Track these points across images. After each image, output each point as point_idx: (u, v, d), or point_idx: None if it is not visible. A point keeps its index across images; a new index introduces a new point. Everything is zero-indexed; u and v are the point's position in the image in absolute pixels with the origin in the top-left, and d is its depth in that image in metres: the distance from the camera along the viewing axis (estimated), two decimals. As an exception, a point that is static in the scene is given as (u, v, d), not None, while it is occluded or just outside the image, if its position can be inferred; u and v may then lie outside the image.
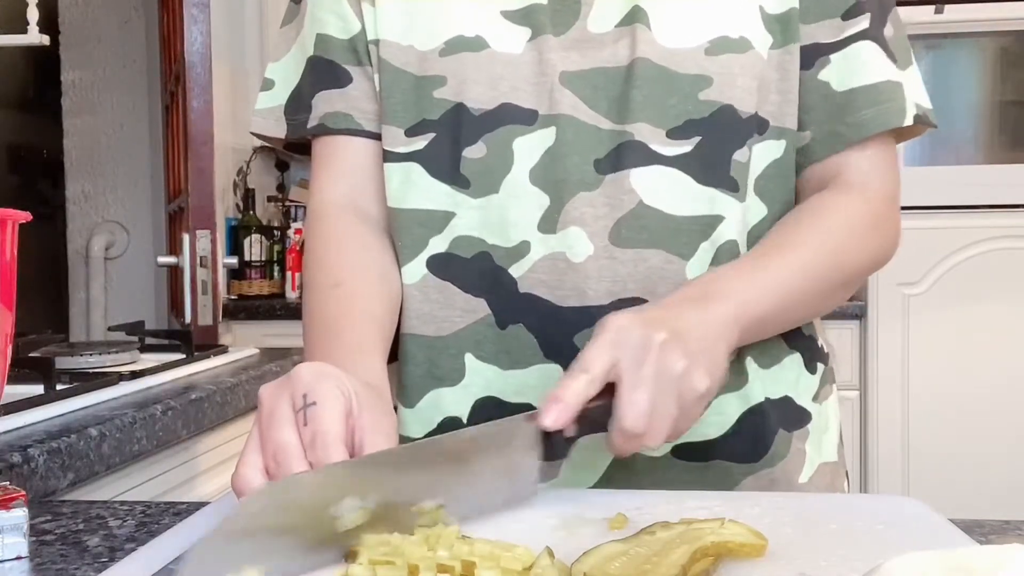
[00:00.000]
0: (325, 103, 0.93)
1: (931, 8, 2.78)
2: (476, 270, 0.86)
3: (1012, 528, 0.71)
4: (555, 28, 0.87)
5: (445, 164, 0.87)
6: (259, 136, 0.99)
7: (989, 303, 2.79)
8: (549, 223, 0.84)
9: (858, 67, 0.88)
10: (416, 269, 0.88)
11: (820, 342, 0.95)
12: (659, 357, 0.70)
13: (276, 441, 0.64)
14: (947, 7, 2.78)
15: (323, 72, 0.94)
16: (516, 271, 0.85)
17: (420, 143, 0.89)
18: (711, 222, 0.85)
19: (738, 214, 0.86)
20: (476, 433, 0.70)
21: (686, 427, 0.73)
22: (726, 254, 0.85)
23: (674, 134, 0.85)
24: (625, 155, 0.84)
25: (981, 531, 0.69)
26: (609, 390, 0.70)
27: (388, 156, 0.90)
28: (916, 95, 0.90)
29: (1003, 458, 2.77)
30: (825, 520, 0.68)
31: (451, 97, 0.87)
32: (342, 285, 0.86)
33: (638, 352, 0.70)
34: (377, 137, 0.92)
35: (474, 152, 0.86)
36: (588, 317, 0.83)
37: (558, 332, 0.84)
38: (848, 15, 0.89)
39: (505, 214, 0.85)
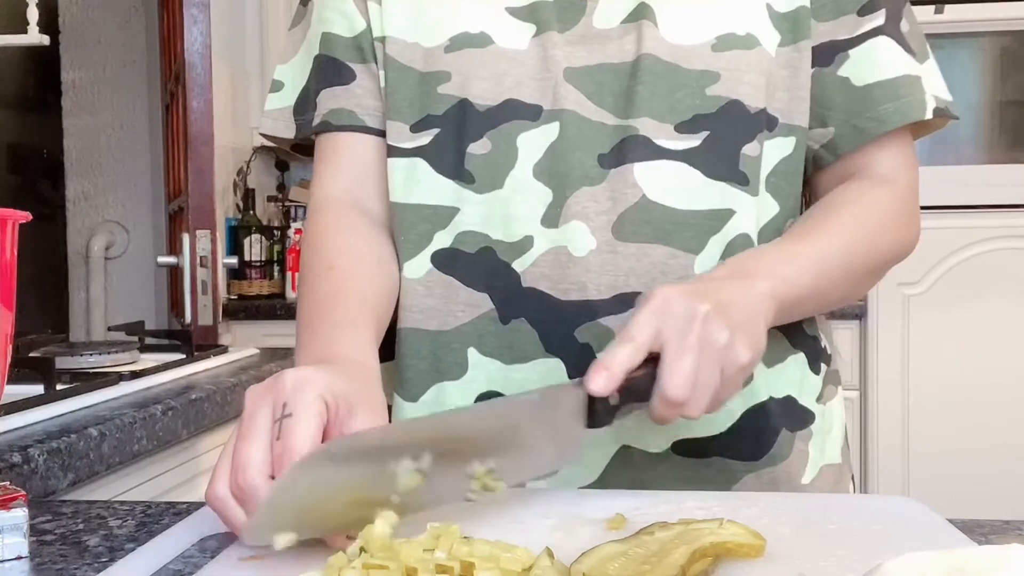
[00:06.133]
0: (329, 100, 0.94)
1: (931, 8, 2.78)
2: (480, 265, 0.86)
3: (1012, 528, 0.71)
4: (560, 24, 0.88)
5: (449, 160, 0.88)
6: (268, 137, 0.99)
7: (989, 303, 2.79)
8: (551, 218, 0.84)
9: (876, 63, 0.89)
10: (420, 264, 0.88)
11: (823, 343, 0.95)
12: (703, 327, 0.71)
13: (241, 455, 0.64)
14: (947, 7, 2.78)
15: (328, 70, 0.94)
16: (519, 266, 0.85)
17: (424, 139, 0.89)
18: (721, 216, 0.85)
19: (751, 208, 0.86)
20: (524, 399, 0.73)
21: (726, 398, 0.74)
22: (739, 248, 0.85)
23: (683, 128, 0.85)
24: (628, 149, 0.84)
25: (981, 531, 0.69)
26: (652, 360, 0.71)
27: (392, 152, 0.90)
28: (935, 88, 0.91)
29: (1003, 458, 2.77)
30: (824, 520, 0.68)
31: (456, 93, 0.88)
32: (336, 268, 0.86)
33: (682, 322, 0.71)
34: (381, 134, 0.93)
35: (478, 148, 0.87)
36: (589, 312, 0.83)
37: (558, 326, 0.84)
38: (864, 11, 0.89)
39: (509, 209, 0.85)
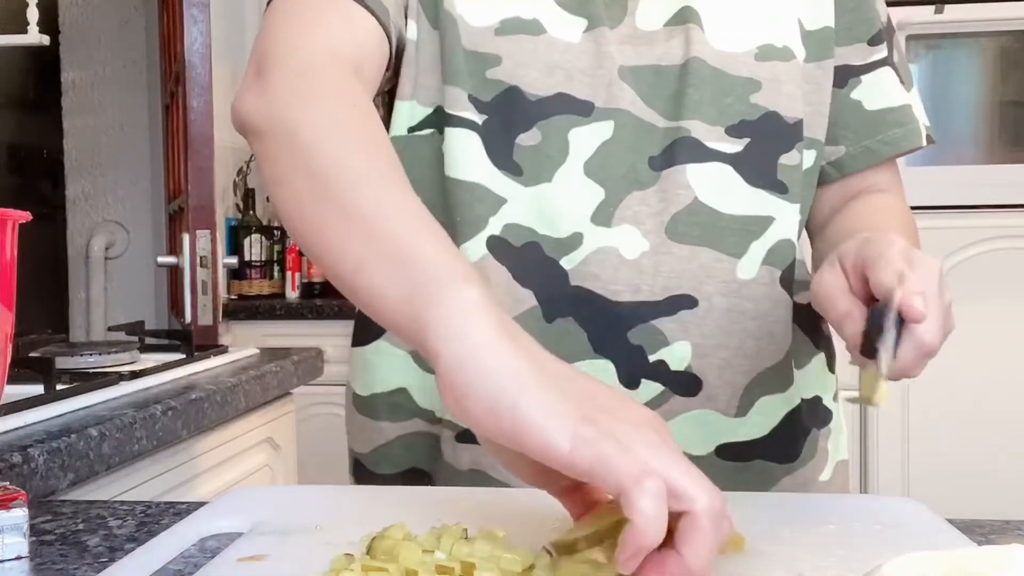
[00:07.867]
0: None
1: (931, 8, 2.77)
2: (526, 260, 0.83)
3: (1012, 528, 0.71)
4: (609, 21, 0.86)
5: (498, 148, 0.84)
6: None
7: (989, 303, 2.79)
8: (603, 217, 0.83)
9: (884, 90, 0.93)
10: (476, 247, 0.84)
11: (833, 342, 0.96)
12: (942, 287, 0.67)
13: None
14: (947, 7, 2.78)
15: None
16: (567, 263, 0.83)
17: (477, 118, 0.85)
18: (761, 223, 0.86)
19: (792, 215, 0.87)
20: None
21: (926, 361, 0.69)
22: (782, 253, 0.86)
23: (731, 132, 0.85)
24: (680, 151, 0.84)
25: (981, 531, 0.69)
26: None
27: (450, 120, 0.85)
28: (921, 115, 0.96)
29: (1003, 458, 2.77)
30: (824, 520, 0.68)
31: (506, 79, 0.84)
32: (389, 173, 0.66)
33: (929, 275, 0.67)
34: (389, 61, 0.84)
35: (528, 139, 0.84)
36: (642, 314, 0.82)
37: (610, 327, 0.83)
38: (872, 42, 0.93)
39: (557, 205, 0.83)
